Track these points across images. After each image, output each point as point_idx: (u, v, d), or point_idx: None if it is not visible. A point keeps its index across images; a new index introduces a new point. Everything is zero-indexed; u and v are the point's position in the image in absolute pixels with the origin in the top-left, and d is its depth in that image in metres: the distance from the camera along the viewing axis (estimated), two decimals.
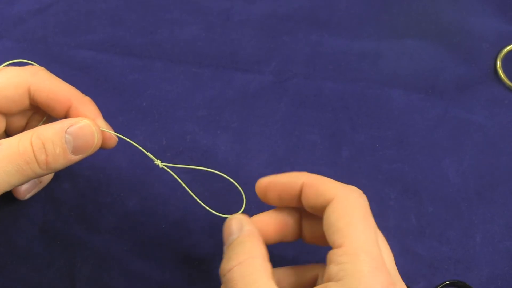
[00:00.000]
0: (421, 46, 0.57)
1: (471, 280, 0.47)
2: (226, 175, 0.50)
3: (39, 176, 0.37)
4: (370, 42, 0.57)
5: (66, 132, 0.37)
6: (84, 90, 0.50)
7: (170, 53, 0.55)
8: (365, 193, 0.50)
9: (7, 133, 0.43)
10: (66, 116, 0.40)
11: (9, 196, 0.47)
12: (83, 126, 0.37)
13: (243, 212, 0.40)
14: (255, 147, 0.52)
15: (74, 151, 0.37)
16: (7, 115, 0.41)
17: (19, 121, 0.42)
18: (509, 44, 0.56)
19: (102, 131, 0.39)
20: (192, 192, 0.50)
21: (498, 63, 0.55)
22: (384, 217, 0.49)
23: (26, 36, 0.56)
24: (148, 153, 0.41)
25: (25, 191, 0.46)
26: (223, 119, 0.53)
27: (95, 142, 0.38)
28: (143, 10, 0.58)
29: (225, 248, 0.36)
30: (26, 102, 0.39)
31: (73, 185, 0.50)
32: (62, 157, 0.37)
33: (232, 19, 0.57)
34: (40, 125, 0.42)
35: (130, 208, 0.49)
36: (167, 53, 0.55)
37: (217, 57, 0.55)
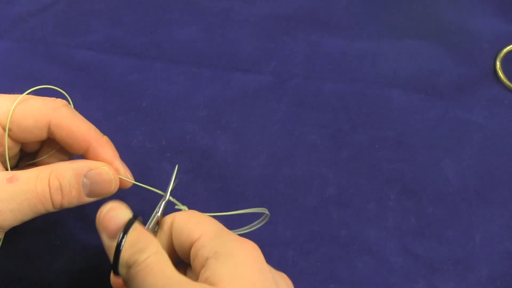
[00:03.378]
0: (421, 46, 0.57)
1: (471, 280, 0.47)
2: (226, 175, 0.51)
3: (48, 212, 0.37)
4: (370, 42, 0.57)
5: (84, 176, 0.37)
6: (84, 90, 0.51)
7: (170, 53, 0.55)
8: (365, 193, 0.50)
9: (20, 152, 0.43)
10: (83, 155, 0.39)
11: None
12: (102, 172, 0.37)
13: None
14: (255, 147, 0.52)
15: (89, 194, 0.37)
16: (22, 143, 0.40)
17: (33, 146, 0.42)
18: (509, 44, 0.56)
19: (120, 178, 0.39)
20: (192, 192, 0.50)
21: (498, 63, 0.55)
22: (384, 217, 0.49)
23: (26, 36, 0.56)
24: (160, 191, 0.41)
25: None
26: (223, 119, 0.53)
27: (112, 188, 0.38)
28: (142, 10, 0.58)
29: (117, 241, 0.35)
30: (44, 135, 0.39)
31: None
32: (77, 200, 0.37)
33: (232, 19, 0.57)
34: (55, 153, 0.41)
35: (130, 208, 0.49)
36: (167, 53, 0.55)
37: (217, 57, 0.55)
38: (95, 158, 0.39)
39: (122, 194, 0.50)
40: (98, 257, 0.48)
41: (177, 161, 0.51)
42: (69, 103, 0.40)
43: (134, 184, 0.50)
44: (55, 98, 0.40)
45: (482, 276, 0.47)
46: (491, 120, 0.53)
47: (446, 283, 0.47)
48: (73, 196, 0.36)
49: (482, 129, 0.53)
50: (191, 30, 0.57)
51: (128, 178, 0.40)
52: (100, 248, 0.48)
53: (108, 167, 0.38)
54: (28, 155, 0.42)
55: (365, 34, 0.57)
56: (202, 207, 0.49)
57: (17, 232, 0.48)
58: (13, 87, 0.54)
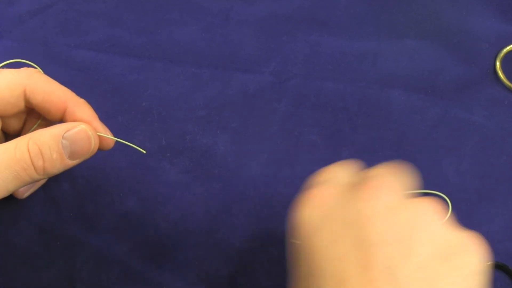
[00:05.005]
0: (421, 46, 0.57)
1: None
2: (226, 175, 0.51)
3: (36, 181, 0.37)
4: (370, 42, 0.57)
5: (62, 137, 0.37)
6: (84, 90, 0.50)
7: (170, 53, 0.55)
8: None
9: (5, 135, 0.43)
10: (62, 119, 0.40)
11: (8, 196, 0.47)
12: (80, 131, 0.38)
13: None
14: (255, 147, 0.52)
15: (71, 156, 0.37)
16: (2, 117, 0.41)
17: (15, 124, 0.43)
18: (508, 44, 0.56)
19: (99, 135, 0.39)
20: (192, 192, 0.50)
21: (498, 63, 0.55)
22: None
23: (26, 36, 0.56)
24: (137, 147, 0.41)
25: (24, 190, 0.46)
26: (223, 119, 0.53)
27: (92, 146, 0.38)
28: (142, 10, 0.58)
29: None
30: (21, 105, 0.40)
31: (72, 185, 0.50)
32: (59, 162, 0.37)
33: (232, 19, 0.57)
34: (36, 128, 0.42)
35: (130, 208, 0.49)
36: (167, 53, 0.55)
37: (216, 57, 0.55)
38: (73, 120, 0.39)
39: (121, 194, 0.50)
40: (98, 257, 0.48)
41: (177, 161, 0.51)
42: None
43: (131, 182, 0.50)
44: (27, 68, 0.40)
45: None
46: (491, 120, 0.53)
47: None
48: (55, 159, 0.37)
49: (482, 129, 0.53)
50: (191, 30, 0.57)
51: (108, 135, 0.40)
52: (100, 248, 0.48)
53: (85, 125, 0.38)
54: (11, 136, 0.43)
55: (365, 34, 0.57)
56: (202, 207, 0.50)
57: (16, 232, 0.48)
58: None
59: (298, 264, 0.32)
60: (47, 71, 0.54)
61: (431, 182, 0.50)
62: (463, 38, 0.57)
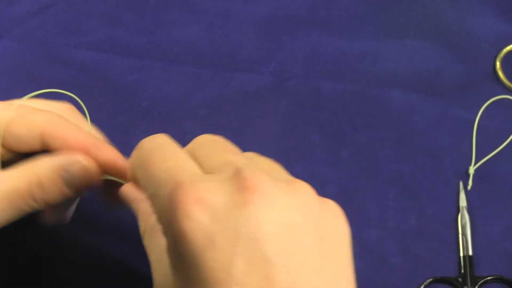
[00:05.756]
0: (421, 46, 0.57)
1: None
2: None
3: (37, 210, 0.37)
4: (370, 42, 0.57)
5: (62, 168, 0.36)
6: (84, 90, 0.51)
7: (170, 54, 0.55)
8: (365, 193, 0.50)
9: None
10: None
11: None
12: (77, 163, 0.36)
13: None
14: (255, 147, 0.52)
15: (70, 186, 0.36)
16: (14, 152, 0.40)
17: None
18: (508, 44, 0.56)
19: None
20: None
21: (498, 63, 0.55)
22: (384, 217, 0.49)
23: (26, 36, 0.56)
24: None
25: (67, 215, 0.44)
26: (223, 119, 0.53)
27: (91, 178, 0.37)
28: (142, 10, 0.58)
29: None
30: (37, 146, 0.38)
31: None
32: (58, 193, 0.36)
33: (232, 19, 0.57)
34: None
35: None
36: (167, 53, 0.55)
37: (217, 57, 0.55)
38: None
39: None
40: (98, 257, 0.48)
41: None
42: (80, 105, 0.40)
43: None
44: (48, 110, 0.38)
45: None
46: (491, 120, 0.53)
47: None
48: (54, 189, 0.36)
49: (482, 129, 0.53)
50: (191, 30, 0.57)
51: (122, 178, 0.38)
52: (100, 248, 0.48)
53: (84, 157, 0.37)
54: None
55: (365, 34, 0.57)
56: None
57: (16, 232, 0.48)
58: (13, 87, 0.54)
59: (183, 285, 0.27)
60: (47, 71, 0.54)
61: (431, 182, 0.50)
62: (463, 38, 0.57)
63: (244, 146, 0.52)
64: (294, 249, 0.26)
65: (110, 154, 0.38)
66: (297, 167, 0.51)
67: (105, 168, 0.38)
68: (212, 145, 0.33)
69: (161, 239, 0.29)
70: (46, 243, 0.48)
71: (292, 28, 0.57)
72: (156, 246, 0.31)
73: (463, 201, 0.49)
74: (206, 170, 0.30)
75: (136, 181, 0.33)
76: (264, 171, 0.28)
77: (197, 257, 0.26)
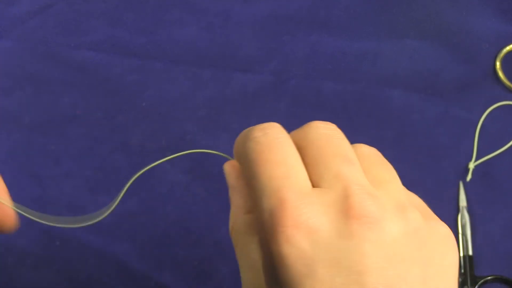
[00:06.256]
0: (421, 46, 0.57)
1: None
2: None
3: None
4: (370, 42, 0.57)
5: None
6: (84, 91, 0.51)
7: (170, 53, 0.55)
8: None
9: None
10: None
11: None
12: None
13: None
14: None
15: None
16: None
17: None
18: (508, 44, 0.56)
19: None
20: (192, 192, 0.50)
21: (498, 63, 0.55)
22: None
23: (26, 36, 0.56)
24: None
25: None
26: (223, 119, 0.53)
27: None
28: (142, 10, 0.58)
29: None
30: None
31: (72, 185, 0.50)
32: None
33: (232, 19, 0.57)
34: None
35: (130, 208, 0.49)
36: (167, 53, 0.55)
37: (217, 57, 0.55)
38: None
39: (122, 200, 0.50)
40: (98, 257, 0.48)
41: (177, 161, 0.51)
42: None
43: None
44: None
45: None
46: (491, 120, 0.53)
47: None
48: None
49: (482, 129, 0.53)
50: (191, 30, 0.57)
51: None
52: (100, 248, 0.48)
53: None
54: None
55: (365, 34, 0.57)
56: (202, 207, 0.50)
57: (16, 232, 0.48)
58: (13, 87, 0.54)
59: None
60: (47, 71, 0.54)
61: (431, 182, 0.50)
62: (463, 38, 0.57)
63: None
64: (399, 283, 0.25)
65: None
66: None
67: None
68: (323, 144, 0.30)
69: (254, 249, 0.29)
70: (46, 243, 0.48)
71: (292, 28, 0.57)
72: (247, 252, 0.30)
73: (463, 201, 0.49)
74: (313, 178, 0.28)
75: (239, 162, 0.31)
76: (376, 189, 0.27)
77: (295, 284, 0.25)
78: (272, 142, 0.29)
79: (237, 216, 0.31)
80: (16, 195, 0.51)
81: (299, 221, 0.25)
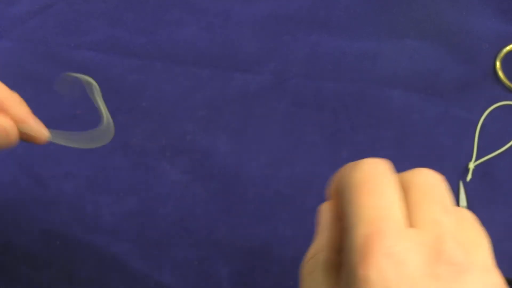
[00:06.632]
0: (421, 46, 0.57)
1: None
2: (226, 175, 0.51)
3: None
4: (370, 42, 0.57)
5: None
6: (84, 91, 0.50)
7: (170, 54, 0.55)
8: None
9: None
10: None
11: (9, 196, 0.47)
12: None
13: None
14: (255, 147, 0.52)
15: None
16: None
17: None
18: (508, 44, 0.56)
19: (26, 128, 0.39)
20: (192, 192, 0.50)
21: (498, 63, 0.55)
22: None
23: (26, 36, 0.56)
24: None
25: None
26: (223, 119, 0.53)
27: (8, 139, 0.38)
28: (142, 10, 0.58)
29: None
30: None
31: (73, 185, 0.50)
32: None
33: (232, 19, 0.57)
34: None
35: (130, 208, 0.49)
36: (167, 53, 0.55)
37: (216, 57, 0.55)
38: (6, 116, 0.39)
39: (122, 194, 0.50)
40: (98, 257, 0.48)
41: (177, 161, 0.51)
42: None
43: (132, 182, 0.50)
44: None
45: None
46: (491, 120, 0.53)
47: None
48: None
49: (482, 129, 0.53)
50: (191, 30, 0.57)
51: (43, 132, 0.40)
52: (100, 248, 0.48)
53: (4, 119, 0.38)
54: None
55: (365, 34, 0.57)
56: (202, 207, 0.50)
57: (17, 232, 0.48)
58: (13, 87, 0.54)
59: None
60: (47, 71, 0.54)
61: None
62: (463, 38, 0.57)
63: (244, 146, 0.52)
64: None
65: (20, 110, 0.40)
66: (297, 167, 0.51)
67: (18, 124, 0.39)
68: (428, 190, 0.32)
69: (322, 286, 0.30)
70: (46, 243, 0.48)
71: (292, 28, 0.57)
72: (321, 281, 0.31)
73: (463, 201, 0.49)
74: (411, 218, 0.30)
75: (336, 198, 0.33)
76: (465, 242, 0.29)
77: None
78: (379, 175, 0.31)
79: (318, 253, 0.32)
80: (16, 195, 0.52)
81: (392, 251, 0.26)
